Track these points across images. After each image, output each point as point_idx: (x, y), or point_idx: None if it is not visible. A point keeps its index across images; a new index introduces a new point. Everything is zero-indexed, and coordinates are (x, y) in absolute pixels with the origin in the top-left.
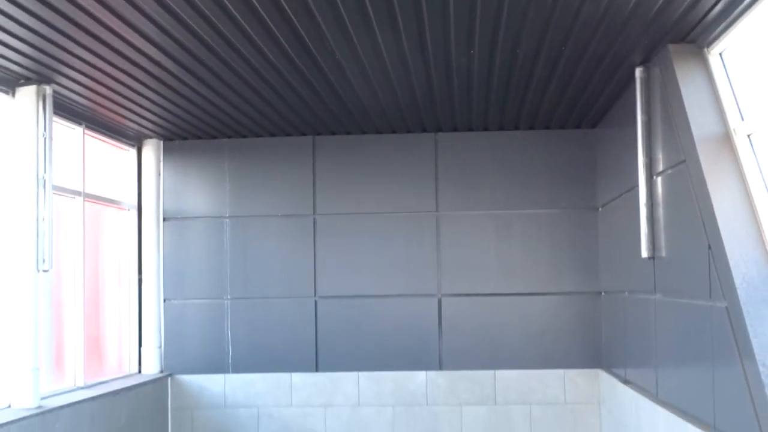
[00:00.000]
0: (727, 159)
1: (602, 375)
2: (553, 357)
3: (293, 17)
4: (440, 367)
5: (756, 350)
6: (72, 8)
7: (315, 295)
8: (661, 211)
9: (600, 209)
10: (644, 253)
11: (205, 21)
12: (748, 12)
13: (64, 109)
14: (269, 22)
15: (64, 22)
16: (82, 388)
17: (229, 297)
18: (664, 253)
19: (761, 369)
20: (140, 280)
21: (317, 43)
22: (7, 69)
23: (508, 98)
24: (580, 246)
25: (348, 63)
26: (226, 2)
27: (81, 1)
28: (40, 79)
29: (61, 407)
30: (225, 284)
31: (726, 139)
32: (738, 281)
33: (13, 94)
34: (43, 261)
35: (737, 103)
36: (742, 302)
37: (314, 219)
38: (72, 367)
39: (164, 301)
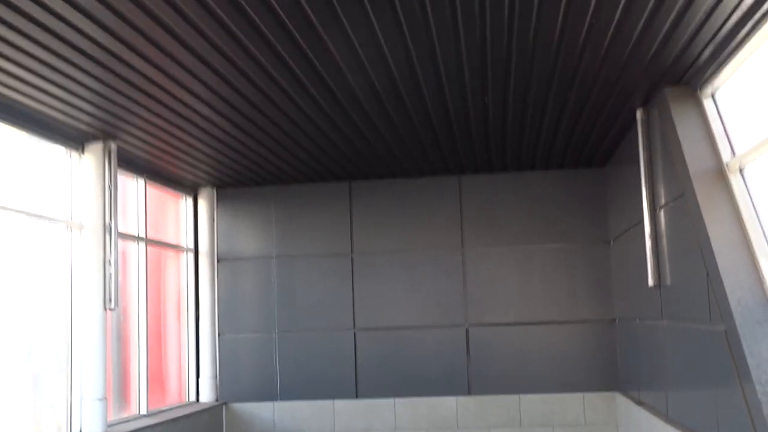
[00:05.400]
0: (721, 191)
1: (618, 397)
2: (572, 381)
3: (327, 78)
4: (469, 392)
5: (752, 370)
6: (133, 73)
7: (354, 328)
8: (664, 242)
9: (612, 242)
10: (651, 282)
11: (249, 81)
12: (735, 54)
13: (127, 162)
14: (304, 80)
15: (127, 85)
16: (145, 415)
17: (276, 330)
18: (669, 282)
19: (758, 388)
20: (197, 316)
21: (347, 96)
22: (77, 128)
23: (523, 142)
24: (595, 277)
25: (378, 116)
26: (269, 67)
27: (140, 67)
28: (105, 136)
29: None
30: (273, 319)
31: (720, 173)
32: (734, 305)
33: (83, 150)
34: (110, 300)
35: (729, 140)
36: (738, 325)
37: (352, 258)
38: (136, 397)
39: (219, 335)
